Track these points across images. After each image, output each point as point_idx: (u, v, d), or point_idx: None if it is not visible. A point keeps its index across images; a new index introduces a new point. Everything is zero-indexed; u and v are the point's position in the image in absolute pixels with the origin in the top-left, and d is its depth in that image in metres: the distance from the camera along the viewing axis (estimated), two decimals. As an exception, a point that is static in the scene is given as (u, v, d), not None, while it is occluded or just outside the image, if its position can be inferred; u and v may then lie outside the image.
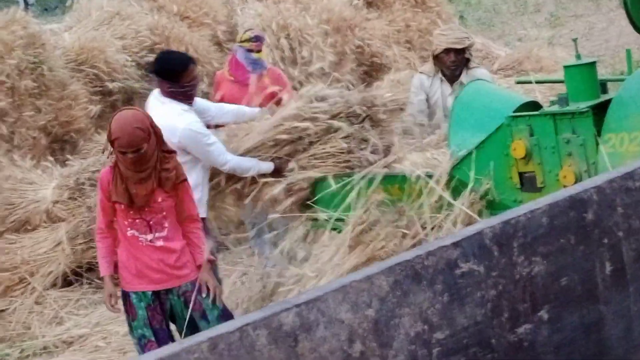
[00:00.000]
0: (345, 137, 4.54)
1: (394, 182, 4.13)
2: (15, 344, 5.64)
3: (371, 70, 10.05)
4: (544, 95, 5.52)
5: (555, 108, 3.85)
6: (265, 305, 3.61)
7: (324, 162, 4.53)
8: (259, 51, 6.14)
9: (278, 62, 8.01)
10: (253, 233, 5.68)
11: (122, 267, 4.10)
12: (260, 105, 5.20)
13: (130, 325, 4.14)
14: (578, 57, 4.11)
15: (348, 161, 4.52)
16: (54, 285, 6.25)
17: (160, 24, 9.28)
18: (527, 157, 3.83)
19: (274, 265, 5.18)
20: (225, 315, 4.14)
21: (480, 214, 3.83)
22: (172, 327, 4.23)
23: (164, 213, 4.00)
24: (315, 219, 4.41)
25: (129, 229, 4.01)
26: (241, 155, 4.66)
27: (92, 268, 6.41)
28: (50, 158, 7.39)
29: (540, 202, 1.68)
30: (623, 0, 4.32)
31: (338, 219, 4.17)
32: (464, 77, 5.49)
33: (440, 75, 5.63)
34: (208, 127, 4.81)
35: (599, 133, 3.64)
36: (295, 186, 4.52)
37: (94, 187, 6.58)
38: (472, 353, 1.58)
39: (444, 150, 4.20)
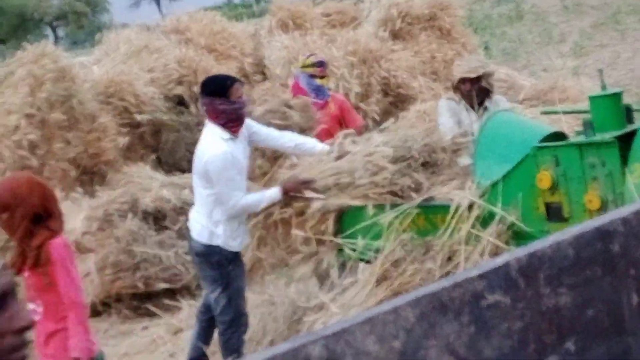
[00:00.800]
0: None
1: (437, 212, 4.08)
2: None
3: (397, 101, 10.09)
4: (569, 125, 5.51)
5: (581, 138, 3.85)
6: (291, 337, 3.61)
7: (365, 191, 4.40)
8: (322, 77, 6.07)
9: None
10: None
11: None
12: (317, 137, 5.07)
13: None
14: (604, 87, 4.11)
15: (386, 193, 4.40)
16: (82, 315, 6.30)
17: (187, 57, 9.40)
18: (553, 187, 3.82)
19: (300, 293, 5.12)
20: None
21: (507, 244, 3.82)
22: None
23: (33, 291, 3.64)
24: (341, 249, 4.39)
25: None
26: None
27: (120, 299, 6.46)
28: (80, 189, 7.49)
29: (566, 233, 1.69)
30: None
31: (367, 248, 4.16)
32: (487, 103, 5.50)
33: (464, 102, 5.66)
34: (256, 149, 4.76)
35: (625, 162, 3.63)
36: (328, 209, 4.41)
37: (123, 218, 6.66)
38: (499, 385, 1.58)
39: (468, 180, 4.17)
